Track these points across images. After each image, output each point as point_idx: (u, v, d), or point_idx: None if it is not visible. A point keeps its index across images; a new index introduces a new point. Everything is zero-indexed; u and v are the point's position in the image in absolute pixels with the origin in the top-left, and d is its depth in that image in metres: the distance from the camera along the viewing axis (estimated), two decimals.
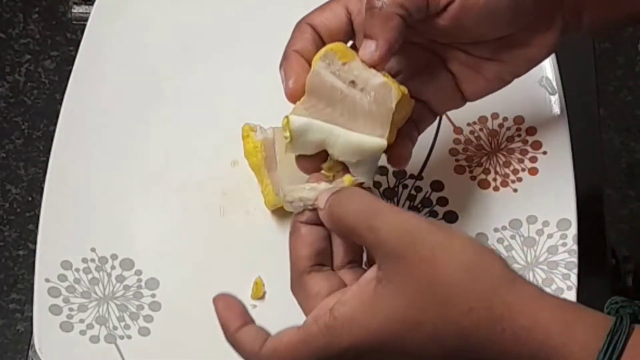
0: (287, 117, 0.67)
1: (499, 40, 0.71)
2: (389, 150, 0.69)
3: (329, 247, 0.67)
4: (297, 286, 0.67)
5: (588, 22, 0.72)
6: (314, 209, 0.67)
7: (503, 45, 0.71)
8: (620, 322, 0.59)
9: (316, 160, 0.69)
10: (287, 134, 0.67)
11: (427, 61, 0.72)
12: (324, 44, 0.69)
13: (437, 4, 0.68)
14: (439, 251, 0.60)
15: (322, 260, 0.67)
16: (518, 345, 0.59)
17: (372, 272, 0.63)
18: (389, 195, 0.82)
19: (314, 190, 0.67)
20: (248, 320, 0.66)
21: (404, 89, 0.68)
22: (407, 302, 0.61)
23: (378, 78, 0.67)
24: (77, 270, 0.79)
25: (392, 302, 0.61)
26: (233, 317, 0.65)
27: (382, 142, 0.67)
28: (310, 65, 0.68)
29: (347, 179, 0.68)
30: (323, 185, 0.68)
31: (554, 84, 0.84)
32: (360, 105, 0.67)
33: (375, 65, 0.67)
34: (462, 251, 0.61)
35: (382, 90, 0.67)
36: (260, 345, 0.64)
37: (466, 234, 0.63)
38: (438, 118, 0.84)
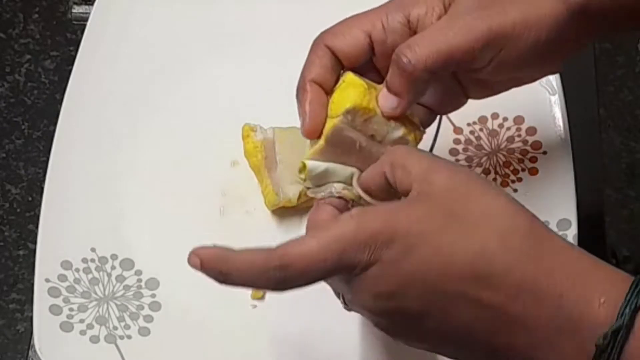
0: (303, 162, 0.69)
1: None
2: None
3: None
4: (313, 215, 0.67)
5: (598, 37, 0.72)
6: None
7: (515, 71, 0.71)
8: None
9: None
10: (303, 176, 0.68)
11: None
12: (342, 67, 0.69)
13: (472, 65, 0.68)
14: (484, 206, 0.60)
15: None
16: (553, 256, 0.59)
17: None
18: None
19: (339, 187, 0.68)
20: (231, 253, 0.62)
21: (419, 135, 0.69)
22: (445, 201, 0.59)
23: (397, 132, 0.68)
24: (77, 270, 0.79)
25: (431, 202, 0.60)
26: (221, 255, 0.62)
27: None
28: (327, 93, 0.69)
29: None
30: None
31: (554, 84, 0.84)
32: (376, 155, 0.68)
33: (395, 119, 0.68)
34: (504, 212, 0.60)
35: (399, 142, 0.69)
36: (270, 252, 0.61)
37: (511, 199, 0.62)
38: (438, 118, 0.84)
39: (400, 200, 0.62)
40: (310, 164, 0.68)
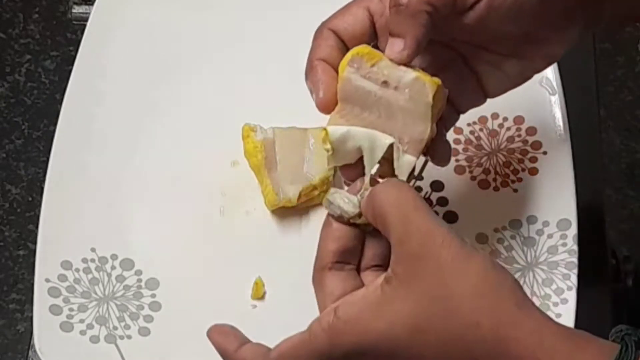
0: (325, 129, 0.66)
1: (520, 37, 0.69)
2: (431, 147, 0.68)
3: (358, 247, 0.66)
4: (316, 280, 0.66)
5: (609, 16, 0.71)
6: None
7: (524, 41, 0.70)
8: (626, 349, 0.58)
9: (358, 167, 0.68)
10: (328, 146, 0.66)
11: (449, 59, 0.71)
12: (347, 49, 0.68)
13: (464, 2, 0.67)
14: (459, 262, 0.60)
15: (348, 258, 0.66)
16: None
17: (382, 277, 0.62)
18: None
19: (354, 206, 0.66)
20: (246, 341, 0.66)
21: (437, 80, 0.66)
22: (414, 308, 0.60)
23: (410, 74, 0.66)
24: (77, 270, 0.79)
25: (399, 305, 0.61)
26: (230, 341, 0.66)
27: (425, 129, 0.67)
28: (337, 72, 0.67)
29: None
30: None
31: (554, 84, 0.84)
32: (396, 104, 0.66)
33: (404, 63, 0.66)
34: (480, 268, 0.60)
35: (416, 85, 0.66)
36: (263, 355, 0.64)
37: (486, 254, 0.63)
38: None
39: (372, 293, 0.62)
40: (330, 129, 0.66)
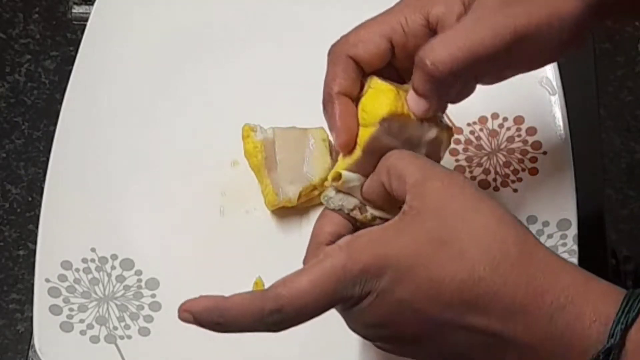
0: (338, 172, 0.67)
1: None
2: None
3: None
4: (311, 255, 0.65)
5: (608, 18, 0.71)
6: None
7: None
8: (636, 296, 0.60)
9: None
10: (336, 184, 0.67)
11: None
12: (363, 73, 0.69)
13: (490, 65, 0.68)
14: (479, 197, 0.61)
15: None
16: (543, 278, 0.59)
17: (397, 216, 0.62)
18: None
19: (353, 203, 0.67)
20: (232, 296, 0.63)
21: (450, 133, 0.69)
22: (437, 223, 0.60)
23: (431, 133, 0.68)
24: (77, 270, 0.79)
25: (420, 225, 0.60)
26: (213, 306, 0.62)
27: None
28: (352, 100, 0.68)
29: None
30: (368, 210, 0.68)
31: (554, 84, 0.84)
32: None
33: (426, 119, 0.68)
34: (490, 220, 0.61)
35: (435, 142, 0.68)
36: (263, 296, 0.61)
37: (499, 208, 0.62)
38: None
39: (390, 222, 0.62)
40: (346, 175, 0.67)
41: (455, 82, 0.67)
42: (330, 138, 0.83)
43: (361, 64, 0.68)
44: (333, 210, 0.67)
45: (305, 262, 0.66)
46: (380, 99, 0.67)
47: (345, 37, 0.69)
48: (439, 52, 0.65)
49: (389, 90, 0.67)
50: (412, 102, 0.67)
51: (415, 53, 0.66)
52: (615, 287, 0.60)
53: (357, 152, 0.67)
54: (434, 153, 0.69)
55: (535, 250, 0.60)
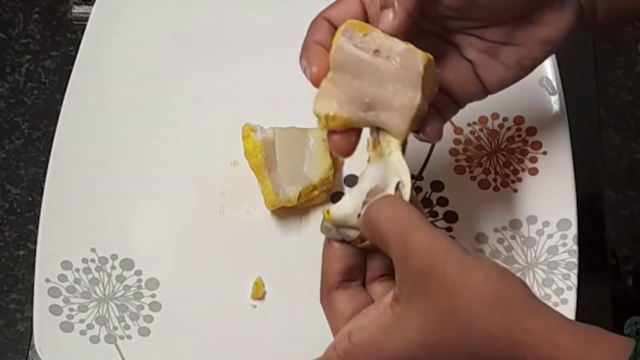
0: (327, 210, 0.66)
1: (512, 22, 0.69)
2: (422, 122, 0.68)
3: (362, 264, 0.66)
4: (325, 301, 0.66)
5: (603, 10, 0.70)
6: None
7: (516, 27, 0.69)
8: None
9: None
10: (329, 224, 0.66)
11: (443, 50, 0.71)
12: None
13: None
14: (464, 274, 0.60)
15: (353, 275, 0.66)
16: None
17: (390, 295, 0.62)
18: None
19: (352, 235, 0.66)
20: None
21: (429, 55, 0.66)
22: (426, 325, 0.60)
23: (401, 45, 0.66)
24: (77, 270, 0.79)
25: (411, 324, 0.61)
26: None
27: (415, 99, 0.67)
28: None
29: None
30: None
31: (554, 84, 0.84)
32: (387, 72, 0.66)
33: (397, 34, 0.66)
34: (487, 277, 0.60)
35: (408, 55, 0.66)
36: None
37: (491, 260, 0.62)
38: None
39: (383, 316, 0.63)
40: (335, 212, 0.66)
41: None
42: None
43: (335, 24, 0.69)
44: (335, 240, 0.66)
45: (321, 303, 0.67)
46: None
47: (330, 5, 0.70)
48: None
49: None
50: (380, 19, 0.66)
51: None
52: (620, 345, 0.59)
53: (330, 73, 0.67)
54: (412, 70, 0.66)
55: (523, 333, 0.59)
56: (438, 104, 0.71)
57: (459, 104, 0.72)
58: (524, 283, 0.61)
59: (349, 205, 0.65)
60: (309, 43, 0.69)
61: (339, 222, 0.65)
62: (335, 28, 0.69)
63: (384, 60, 0.66)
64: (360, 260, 0.66)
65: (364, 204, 0.65)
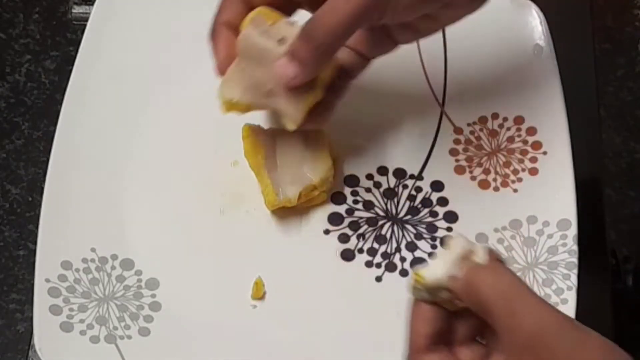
0: (417, 273, 0.63)
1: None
2: (317, 109, 0.72)
3: (450, 327, 0.64)
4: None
5: None
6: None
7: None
8: None
9: None
10: (420, 286, 0.63)
11: None
12: (249, 7, 0.72)
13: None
14: (578, 348, 0.57)
15: (442, 339, 0.63)
16: None
17: None
18: (389, 195, 0.82)
19: (443, 296, 0.63)
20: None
21: None
22: None
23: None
24: (77, 270, 0.79)
25: None
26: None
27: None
28: (237, 33, 0.71)
29: None
30: None
31: (554, 84, 0.84)
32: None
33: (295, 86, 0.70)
34: (599, 351, 0.58)
35: None
36: None
37: (599, 335, 0.59)
38: (438, 118, 0.84)
39: None
40: (427, 275, 0.63)
41: (338, 49, 0.69)
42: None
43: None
44: (424, 301, 0.64)
45: None
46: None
47: None
48: (324, 21, 0.67)
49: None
50: (283, 67, 0.69)
51: None
52: None
53: (236, 59, 0.70)
54: None
55: None
56: (347, 63, 0.73)
57: (368, 58, 0.75)
58: (626, 354, 0.58)
59: (441, 269, 0.62)
60: (218, 25, 0.72)
61: (433, 286, 0.63)
62: (248, 2, 0.71)
63: (287, 47, 0.69)
64: (449, 323, 0.64)
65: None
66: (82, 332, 0.77)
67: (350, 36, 0.68)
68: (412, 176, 0.83)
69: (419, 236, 0.81)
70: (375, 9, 0.67)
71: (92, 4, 0.89)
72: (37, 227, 0.80)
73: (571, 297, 0.77)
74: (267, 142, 0.81)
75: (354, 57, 0.74)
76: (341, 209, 0.82)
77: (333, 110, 0.75)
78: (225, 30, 0.71)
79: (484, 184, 0.82)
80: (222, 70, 0.71)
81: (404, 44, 0.75)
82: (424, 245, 0.80)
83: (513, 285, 0.60)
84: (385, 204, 0.82)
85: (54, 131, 0.84)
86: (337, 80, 0.74)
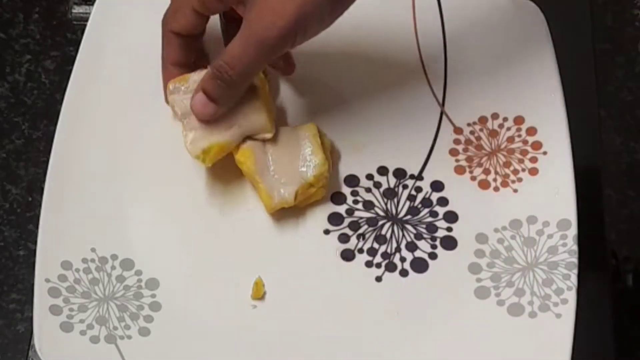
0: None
1: None
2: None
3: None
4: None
5: None
6: None
7: None
8: None
9: None
10: None
11: None
12: (189, 43, 0.79)
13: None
14: None
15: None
16: None
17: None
18: (389, 195, 0.82)
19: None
20: None
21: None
22: None
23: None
24: (77, 270, 0.79)
25: None
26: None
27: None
28: (185, 69, 0.80)
29: None
30: None
31: (554, 84, 0.84)
32: None
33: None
34: None
35: None
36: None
37: None
38: (438, 118, 0.84)
39: None
40: None
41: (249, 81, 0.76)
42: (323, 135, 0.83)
43: (182, 34, 0.78)
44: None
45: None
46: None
47: (166, 11, 0.79)
48: (234, 59, 0.73)
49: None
50: (200, 105, 0.77)
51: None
52: None
53: (183, 125, 0.80)
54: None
55: None
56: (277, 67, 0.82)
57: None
58: None
59: None
60: (166, 64, 0.80)
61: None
62: (183, 38, 0.78)
63: None
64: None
65: None
66: (82, 332, 0.77)
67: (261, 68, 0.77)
68: (412, 176, 0.83)
69: (419, 236, 0.81)
70: (280, 48, 0.72)
71: (92, 4, 0.89)
72: (37, 227, 0.80)
73: (571, 297, 0.77)
74: (256, 146, 0.81)
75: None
76: (341, 209, 0.82)
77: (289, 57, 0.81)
78: (171, 69, 0.80)
79: (484, 184, 0.82)
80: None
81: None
82: (424, 245, 0.80)
83: None
84: (385, 204, 0.82)
85: (54, 131, 0.83)
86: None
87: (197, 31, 0.79)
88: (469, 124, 0.84)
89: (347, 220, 0.82)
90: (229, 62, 0.73)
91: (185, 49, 0.79)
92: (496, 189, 0.82)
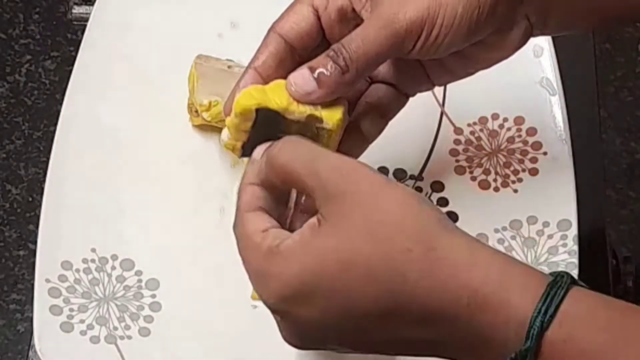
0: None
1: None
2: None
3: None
4: (239, 224, 0.67)
5: (555, 24, 0.71)
6: None
7: (466, 49, 0.70)
8: (561, 277, 0.58)
9: None
10: None
11: None
12: (292, 50, 0.69)
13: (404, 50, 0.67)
14: (379, 188, 0.60)
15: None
16: (455, 281, 0.57)
17: (314, 218, 0.62)
18: None
19: None
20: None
21: (334, 117, 0.68)
22: (341, 241, 0.59)
23: (306, 113, 0.67)
24: (78, 270, 0.79)
25: (326, 240, 0.59)
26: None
27: None
28: (264, 81, 0.69)
29: None
30: None
31: (554, 84, 0.84)
32: None
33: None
34: (402, 192, 0.60)
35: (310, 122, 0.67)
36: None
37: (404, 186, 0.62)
38: (438, 118, 0.84)
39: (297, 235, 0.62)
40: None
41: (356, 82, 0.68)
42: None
43: (288, 37, 0.69)
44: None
45: (234, 230, 0.68)
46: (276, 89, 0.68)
47: (281, 15, 0.70)
48: (352, 49, 0.66)
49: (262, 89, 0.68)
50: (300, 79, 0.67)
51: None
52: (535, 274, 0.58)
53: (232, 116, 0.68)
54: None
55: (440, 248, 0.58)
56: (383, 100, 0.72)
57: (407, 95, 0.73)
58: (439, 209, 0.61)
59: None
60: (249, 68, 0.70)
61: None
62: (288, 42, 0.69)
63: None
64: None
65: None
66: (82, 333, 0.77)
67: (380, 64, 0.68)
68: (412, 176, 0.83)
69: None
70: (405, 39, 0.66)
71: (92, 4, 0.89)
72: (37, 227, 0.80)
73: None
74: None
75: (390, 93, 0.73)
76: None
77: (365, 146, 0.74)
78: (253, 74, 0.70)
79: (484, 184, 0.82)
80: (227, 110, 0.70)
81: (440, 85, 0.74)
82: None
83: (308, 147, 0.63)
84: None
85: (54, 131, 0.84)
86: (373, 119, 0.73)
87: (305, 35, 0.69)
88: (469, 124, 0.84)
89: None
90: (347, 46, 0.66)
91: (275, 57, 0.69)
92: (496, 189, 0.82)
